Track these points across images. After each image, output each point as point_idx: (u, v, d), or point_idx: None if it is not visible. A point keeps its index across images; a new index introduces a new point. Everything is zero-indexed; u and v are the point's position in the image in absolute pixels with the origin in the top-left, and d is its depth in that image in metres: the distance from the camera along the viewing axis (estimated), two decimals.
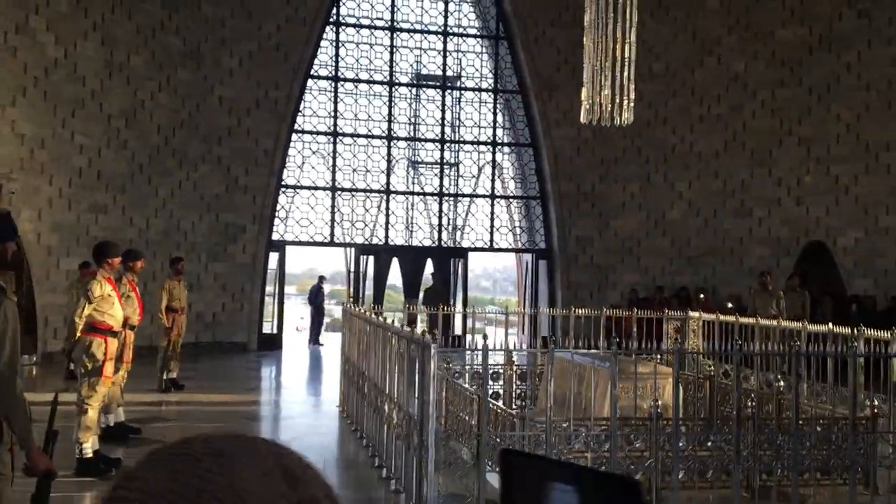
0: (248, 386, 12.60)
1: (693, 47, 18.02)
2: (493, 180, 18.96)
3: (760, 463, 5.80)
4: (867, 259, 15.94)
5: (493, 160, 18.97)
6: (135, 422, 8.31)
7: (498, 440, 5.33)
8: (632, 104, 8.26)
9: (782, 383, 7.84)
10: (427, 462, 5.38)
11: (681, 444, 5.92)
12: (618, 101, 8.06)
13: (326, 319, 20.91)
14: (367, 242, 18.30)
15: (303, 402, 10.94)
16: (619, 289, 18.26)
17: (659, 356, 8.13)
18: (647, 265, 18.31)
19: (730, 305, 14.30)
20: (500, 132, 19.10)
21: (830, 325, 8.56)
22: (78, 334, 6.75)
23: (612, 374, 5.56)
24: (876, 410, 6.37)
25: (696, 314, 11.26)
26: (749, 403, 6.46)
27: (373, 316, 7.84)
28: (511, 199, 19.27)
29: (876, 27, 15.81)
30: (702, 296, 15.97)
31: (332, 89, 18.04)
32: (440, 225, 18.60)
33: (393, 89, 18.44)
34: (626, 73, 8.04)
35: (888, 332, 7.74)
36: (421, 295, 17.64)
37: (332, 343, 19.66)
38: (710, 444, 5.79)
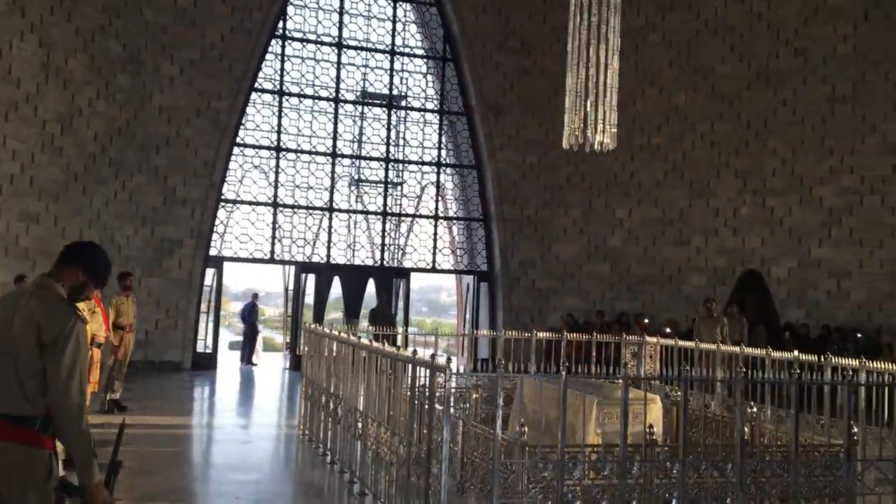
0: (190, 407, 12.05)
1: (635, 78, 18.41)
2: (436, 201, 18.87)
3: (759, 491, 5.81)
4: (800, 289, 16.51)
5: (438, 181, 18.89)
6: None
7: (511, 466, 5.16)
8: (614, 129, 8.29)
9: (755, 409, 7.95)
10: (440, 491, 5.17)
11: (675, 472, 5.90)
12: (600, 126, 8.03)
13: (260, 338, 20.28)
14: (307, 260, 17.89)
15: (258, 425, 10.49)
16: (559, 312, 18.36)
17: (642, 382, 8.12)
18: (588, 290, 18.50)
19: (668, 331, 14.58)
20: (443, 153, 19.04)
21: (796, 352, 8.77)
22: None
23: (624, 400, 5.47)
24: (856, 437, 6.50)
25: (653, 339, 11.41)
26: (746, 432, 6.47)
27: (357, 338, 7.57)
28: (453, 221, 19.21)
29: (811, 65, 16.50)
30: (646, 320, 16.20)
31: (277, 103, 17.65)
32: (383, 244, 18.37)
33: (338, 106, 18.18)
34: (608, 99, 8.06)
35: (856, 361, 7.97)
36: (364, 314, 17.34)
37: (266, 363, 19.11)
38: (711, 472, 5.76)
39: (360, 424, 7.09)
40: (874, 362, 8.04)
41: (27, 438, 3.02)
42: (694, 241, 17.63)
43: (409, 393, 5.82)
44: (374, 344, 6.97)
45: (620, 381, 8.99)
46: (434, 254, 18.75)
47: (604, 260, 18.45)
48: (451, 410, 5.27)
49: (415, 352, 5.89)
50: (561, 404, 5.43)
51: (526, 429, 5.93)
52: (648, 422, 7.33)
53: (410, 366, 5.92)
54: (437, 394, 5.49)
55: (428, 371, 5.48)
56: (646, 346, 11.28)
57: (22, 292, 3.22)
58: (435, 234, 18.78)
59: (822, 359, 8.23)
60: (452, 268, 19.37)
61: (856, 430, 6.45)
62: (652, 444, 6.04)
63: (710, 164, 17.50)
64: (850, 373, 7.86)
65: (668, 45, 18.07)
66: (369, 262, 18.34)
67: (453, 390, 9.08)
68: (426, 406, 5.28)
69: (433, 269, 18.90)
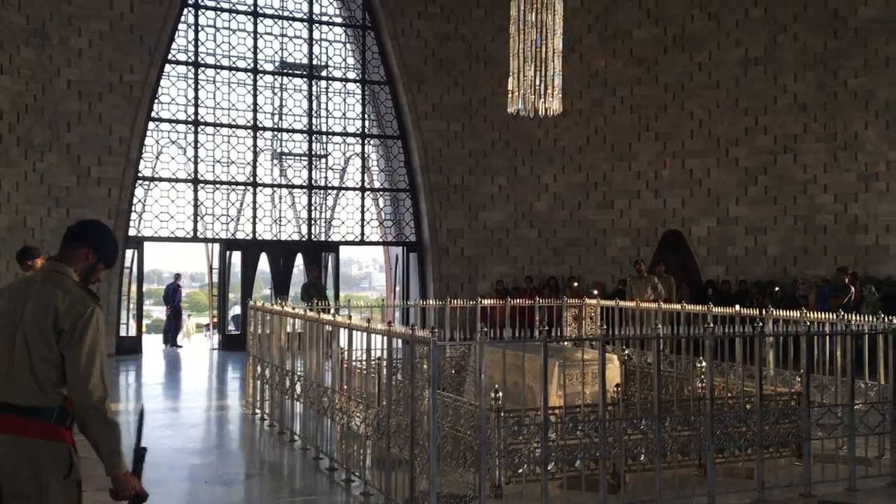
0: (125, 393, 11.62)
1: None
2: (362, 172, 18.64)
3: (728, 441, 6.02)
4: (719, 247, 17.14)
5: (363, 152, 18.65)
6: None
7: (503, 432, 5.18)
8: (559, 94, 8.33)
9: (704, 364, 8.21)
10: (427, 462, 5.15)
11: (644, 427, 6.04)
12: (546, 90, 8.05)
13: (185, 319, 19.74)
14: (232, 237, 17.43)
15: (202, 407, 10.22)
16: (488, 280, 18.52)
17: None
18: (516, 256, 18.70)
19: (595, 293, 14.92)
20: (367, 124, 18.79)
21: (737, 307, 9.10)
22: None
23: (600, 362, 5.55)
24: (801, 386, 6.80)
25: (593, 301, 11.63)
26: (700, 387, 6.68)
27: (328, 315, 7.43)
28: (380, 192, 19.04)
29: (724, 29, 16.99)
30: (575, 284, 16.49)
31: (192, 75, 17.00)
32: (310, 218, 18.06)
33: (257, 77, 17.66)
34: (553, 65, 8.09)
35: (794, 313, 8.33)
36: (294, 291, 17.07)
37: (193, 345, 18.63)
38: (674, 427, 5.93)
39: (325, 400, 6.98)
40: (808, 313, 8.41)
41: (41, 431, 2.83)
42: (617, 204, 18.03)
43: (385, 365, 5.75)
44: (342, 318, 6.85)
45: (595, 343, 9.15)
46: (362, 226, 18.56)
47: (530, 225, 18.67)
48: (434, 381, 5.22)
49: (390, 323, 5.82)
50: (543, 367, 5.47)
51: (500, 394, 5.95)
52: (609, 380, 7.52)
53: (386, 338, 5.85)
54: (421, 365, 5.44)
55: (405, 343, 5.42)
56: (586, 308, 11.49)
57: (32, 278, 3.00)
58: (362, 206, 18.58)
59: (764, 312, 8.56)
60: (381, 240, 19.23)
61: (798, 378, 6.75)
62: (620, 401, 6.17)
63: (631, 128, 17.87)
64: (803, 324, 8.15)
65: (586, 10, 18.25)
66: (296, 237, 18.01)
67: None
68: (399, 378, 5.22)
69: (362, 242, 18.72)
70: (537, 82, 8.04)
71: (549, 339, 5.54)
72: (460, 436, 5.81)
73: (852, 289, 13.77)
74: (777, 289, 15.53)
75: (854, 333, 6.74)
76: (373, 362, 6.44)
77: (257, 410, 9.18)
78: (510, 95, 8.49)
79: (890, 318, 7.01)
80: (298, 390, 7.71)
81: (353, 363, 6.74)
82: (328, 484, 6.60)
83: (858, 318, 7.60)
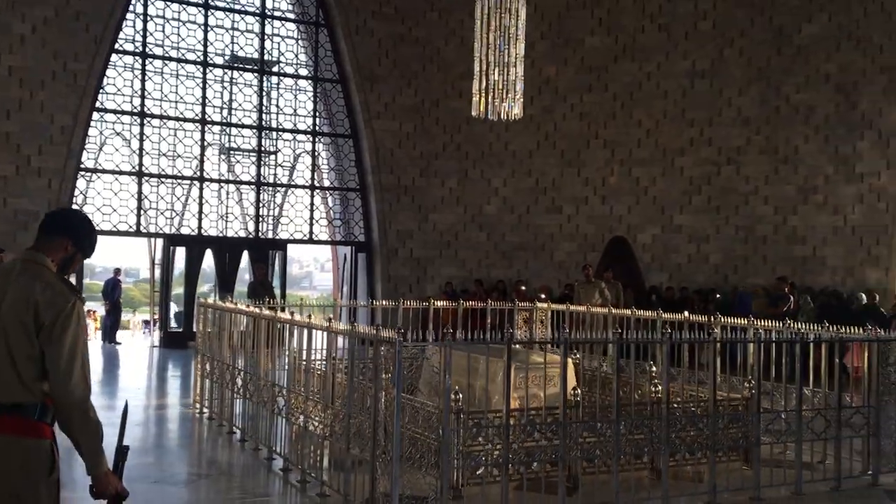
0: None
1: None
2: (312, 171, 18.47)
3: (682, 444, 6.14)
4: (663, 254, 17.49)
5: (313, 150, 18.48)
6: None
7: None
8: (520, 98, 8.38)
9: (655, 370, 8.35)
10: (390, 463, 5.12)
11: (601, 430, 6.11)
12: (508, 95, 8.10)
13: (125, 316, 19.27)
14: (177, 233, 17.08)
15: (146, 406, 9.97)
16: (437, 282, 18.53)
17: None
18: (465, 258, 18.76)
19: (543, 296, 15.07)
20: (318, 121, 18.62)
21: (686, 313, 9.28)
22: None
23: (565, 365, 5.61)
24: (753, 392, 6.98)
25: (544, 305, 11.74)
26: (653, 391, 6.79)
27: (276, 313, 7.32)
28: (330, 191, 18.89)
29: (674, 40, 17.36)
30: (523, 287, 16.62)
31: (140, 66, 16.61)
32: (257, 215, 17.80)
33: (206, 70, 17.34)
34: (515, 70, 8.14)
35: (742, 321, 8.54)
36: (239, 289, 16.79)
37: (129, 342, 18.19)
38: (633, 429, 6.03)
39: (280, 400, 6.89)
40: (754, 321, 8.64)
41: (25, 428, 2.74)
42: (565, 210, 18.24)
43: (346, 365, 5.70)
44: (301, 317, 6.77)
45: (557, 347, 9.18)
46: (311, 225, 18.38)
47: (480, 228, 18.75)
48: (399, 382, 5.21)
49: (353, 323, 5.77)
50: (506, 370, 5.50)
51: (461, 395, 5.96)
52: (559, 384, 7.59)
53: (346, 338, 5.81)
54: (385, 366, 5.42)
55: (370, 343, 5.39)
56: (537, 311, 11.58)
57: (8, 269, 2.88)
58: (311, 204, 18.41)
59: (712, 319, 8.76)
60: (329, 239, 19.08)
61: (751, 384, 6.93)
62: (581, 404, 6.24)
63: (581, 134, 18.11)
64: (755, 331, 8.33)
65: (539, 17, 18.38)
66: (243, 234, 17.74)
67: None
68: (362, 379, 5.19)
69: (310, 241, 18.54)
70: (500, 86, 8.10)
71: (513, 342, 5.56)
72: (419, 437, 5.79)
73: (791, 298, 14.20)
74: (718, 296, 15.91)
75: (806, 342, 6.93)
76: (330, 362, 6.37)
77: (205, 409, 9.01)
78: (474, 98, 8.51)
79: (836, 327, 7.24)
80: (251, 389, 7.59)
81: (312, 363, 6.66)
82: (282, 485, 6.52)
83: (797, 326, 7.83)
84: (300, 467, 6.45)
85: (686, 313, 9.26)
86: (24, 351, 2.74)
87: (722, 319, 8.65)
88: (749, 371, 7.71)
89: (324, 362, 7.15)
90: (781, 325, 8.01)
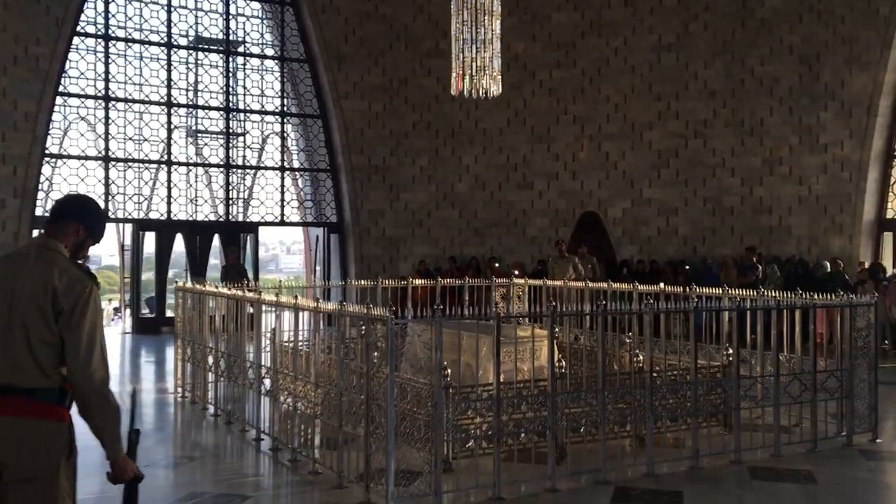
0: None
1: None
2: (281, 152, 18.34)
3: (665, 412, 6.30)
4: (633, 227, 17.71)
5: (282, 131, 18.34)
6: None
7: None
8: (499, 76, 8.41)
9: (628, 341, 8.50)
10: (383, 438, 5.20)
11: (584, 402, 6.24)
12: (487, 73, 8.14)
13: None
14: (145, 217, 16.89)
15: (127, 393, 9.90)
16: (410, 261, 18.57)
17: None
18: (437, 237, 18.81)
19: (516, 272, 15.20)
20: (286, 102, 18.47)
21: (662, 284, 9.46)
22: None
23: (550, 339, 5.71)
24: (731, 360, 7.16)
25: (521, 281, 11.85)
26: (637, 361, 6.93)
27: (259, 294, 7.32)
28: (300, 172, 18.79)
29: (640, 16, 17.47)
30: (496, 264, 16.72)
31: (103, 49, 16.32)
32: (227, 198, 17.67)
33: (171, 52, 17.10)
34: (492, 47, 8.17)
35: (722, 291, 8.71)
36: (211, 273, 16.68)
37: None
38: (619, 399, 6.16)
39: (267, 381, 6.92)
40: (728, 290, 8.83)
41: (44, 412, 2.75)
42: (537, 185, 18.36)
43: (335, 345, 5.75)
44: (287, 298, 6.78)
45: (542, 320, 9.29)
46: (282, 207, 18.29)
47: (452, 206, 18.80)
48: (392, 359, 5.27)
49: (342, 303, 5.81)
50: (494, 346, 5.59)
51: (449, 371, 6.04)
52: (543, 357, 7.71)
53: (339, 317, 5.85)
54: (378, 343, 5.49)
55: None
56: (514, 287, 11.70)
57: (23, 255, 2.86)
58: (282, 186, 18.30)
59: (686, 290, 8.93)
60: (301, 220, 19.00)
61: (730, 350, 7.11)
62: (567, 376, 6.37)
63: (550, 110, 18.19)
64: (730, 300, 8.51)
65: None
66: (213, 218, 17.60)
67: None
68: (351, 357, 5.25)
69: (282, 223, 18.46)
70: (478, 64, 8.13)
71: (502, 318, 5.65)
72: (409, 413, 5.87)
73: (759, 267, 14.49)
74: (688, 267, 16.17)
75: (781, 308, 7.11)
76: (316, 342, 6.41)
77: (188, 393, 9.01)
78: (452, 76, 8.53)
79: (808, 294, 7.44)
80: (236, 372, 7.61)
81: (299, 343, 6.70)
82: (273, 464, 6.57)
83: (767, 294, 8.02)
84: (290, 447, 6.50)
85: (661, 285, 9.44)
86: (43, 337, 2.75)
87: (697, 290, 8.82)
88: (724, 339, 7.92)
89: (308, 343, 7.19)
90: (755, 293, 8.20)
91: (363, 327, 8.73)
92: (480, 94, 8.61)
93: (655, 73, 17.44)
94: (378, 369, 5.42)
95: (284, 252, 54.74)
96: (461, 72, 8.50)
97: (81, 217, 2.96)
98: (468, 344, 7.51)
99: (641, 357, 6.93)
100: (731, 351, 7.08)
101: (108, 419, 2.79)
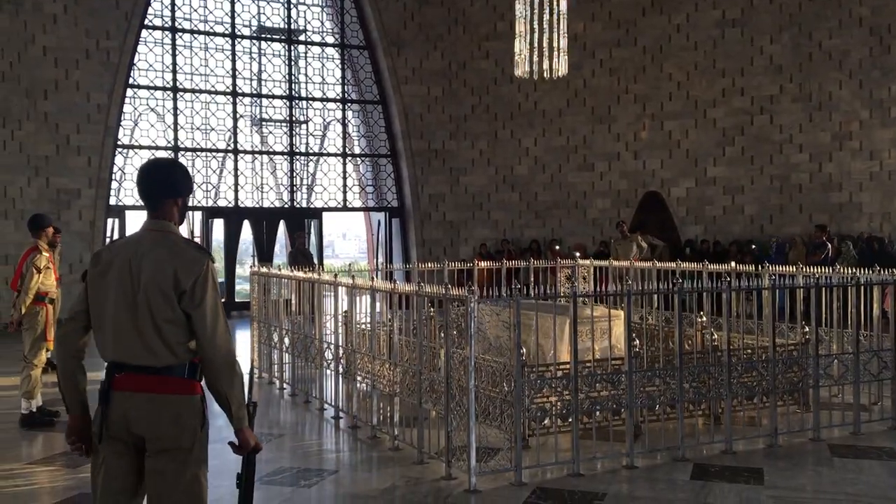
0: None
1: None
2: (343, 138, 18.58)
3: (744, 390, 6.28)
4: (697, 207, 17.48)
5: (343, 117, 18.56)
6: (49, 405, 7.58)
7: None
8: (565, 56, 8.41)
9: (704, 319, 8.46)
10: (464, 416, 5.32)
11: (657, 382, 6.24)
12: (552, 53, 8.13)
13: None
14: (214, 205, 17.31)
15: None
16: (470, 244, 18.67)
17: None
18: (497, 220, 18.86)
19: (577, 255, 15.16)
20: (347, 89, 18.67)
21: (733, 264, 9.36)
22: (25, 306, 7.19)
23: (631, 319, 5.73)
24: (808, 337, 7.07)
25: (586, 262, 11.84)
26: (713, 339, 6.91)
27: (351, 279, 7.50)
28: (361, 158, 19.00)
29: None
30: (557, 247, 16.68)
31: (170, 41, 16.73)
32: (292, 185, 17.99)
33: (235, 42, 17.43)
34: (560, 27, 8.16)
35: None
36: (278, 259, 17.04)
37: None
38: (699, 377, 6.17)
39: (344, 361, 7.10)
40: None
41: (178, 387, 2.93)
42: (597, 167, 18.24)
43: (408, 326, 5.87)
44: (365, 281, 6.94)
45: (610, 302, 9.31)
46: (344, 192, 18.54)
47: (511, 189, 18.81)
48: (472, 339, 5.37)
49: (419, 284, 5.93)
50: (571, 325, 5.65)
51: (524, 350, 6.11)
52: (615, 336, 7.73)
53: (416, 298, 5.98)
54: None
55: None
56: (579, 268, 11.69)
57: (137, 240, 3.01)
58: (344, 172, 18.55)
59: (759, 268, 8.82)
60: (363, 205, 19.24)
61: (807, 329, 7.03)
62: (644, 355, 6.39)
63: (611, 90, 18.03)
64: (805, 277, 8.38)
65: None
66: (278, 204, 17.95)
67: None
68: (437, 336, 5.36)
69: (344, 208, 18.72)
70: (543, 45, 8.13)
71: (577, 297, 5.70)
72: (483, 392, 5.97)
73: (829, 245, 14.19)
74: (754, 246, 15.93)
75: (860, 285, 7.00)
76: (391, 323, 6.55)
77: (264, 374, 9.27)
78: (517, 58, 8.55)
79: (889, 270, 7.31)
80: (313, 353, 7.81)
81: (377, 324, 6.85)
82: (353, 440, 6.75)
83: (842, 272, 7.89)
84: (369, 424, 6.67)
85: (733, 264, 9.35)
86: (167, 317, 2.89)
87: (770, 268, 8.71)
88: (799, 318, 7.82)
89: (385, 324, 7.35)
90: (830, 271, 8.07)
91: (432, 309, 8.90)
92: (545, 75, 8.61)
93: (719, 49, 17.13)
94: (454, 349, 5.51)
95: (341, 238, 55.48)
96: (526, 53, 8.50)
97: (177, 191, 3.07)
98: (540, 324, 7.58)
99: (717, 335, 6.92)
100: (807, 329, 7.01)
101: (236, 388, 2.93)
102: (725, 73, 17.08)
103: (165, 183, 3.06)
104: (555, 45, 8.38)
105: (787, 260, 13.92)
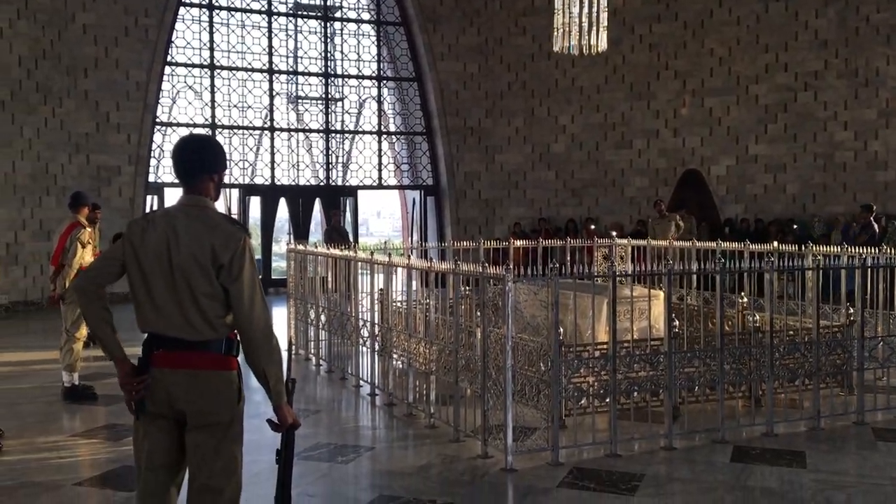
0: None
1: None
2: (378, 116, 18.54)
3: (787, 372, 6.17)
4: (738, 185, 17.17)
5: (379, 95, 18.51)
6: (84, 379, 7.72)
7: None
8: (605, 31, 8.26)
9: (745, 300, 8.30)
10: (501, 395, 5.29)
11: (697, 363, 6.14)
12: (591, 28, 7.99)
13: None
14: (251, 182, 17.42)
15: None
16: (506, 222, 18.57)
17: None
18: (533, 198, 18.72)
19: (614, 234, 14.99)
20: (382, 66, 18.60)
21: (776, 243, 9.18)
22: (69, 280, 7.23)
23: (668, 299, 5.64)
24: (852, 319, 6.91)
25: (623, 241, 11.71)
26: (752, 321, 6.78)
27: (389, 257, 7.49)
28: (396, 135, 18.95)
29: None
30: (592, 226, 16.52)
31: (207, 18, 16.78)
32: (327, 163, 18.02)
33: (272, 19, 17.43)
34: (600, 1, 8.00)
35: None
36: (314, 236, 17.12)
37: None
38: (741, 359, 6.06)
39: (379, 339, 7.11)
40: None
41: (215, 363, 2.93)
42: (636, 144, 17.99)
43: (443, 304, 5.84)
44: (401, 259, 6.92)
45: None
46: (379, 170, 18.53)
47: (548, 167, 18.64)
48: (510, 318, 5.33)
49: (457, 263, 5.90)
50: (610, 305, 5.57)
51: (562, 330, 6.05)
52: (653, 317, 7.62)
53: (453, 276, 5.94)
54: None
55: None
56: (616, 247, 11.57)
57: (172, 214, 3.01)
58: (379, 150, 18.53)
59: (802, 248, 8.64)
60: (398, 183, 19.22)
61: (851, 310, 6.87)
62: (684, 336, 6.29)
63: (650, 66, 17.73)
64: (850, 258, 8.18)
65: None
66: (314, 182, 18.00)
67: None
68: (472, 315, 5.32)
69: (380, 186, 18.72)
70: (583, 20, 7.99)
71: (616, 277, 5.62)
72: (519, 371, 5.93)
73: (875, 226, 13.85)
74: (795, 227, 15.63)
75: None
76: (427, 301, 6.52)
77: (300, 350, 9.33)
78: (555, 33, 8.41)
79: None
80: (349, 330, 7.83)
81: (412, 303, 6.83)
82: (389, 417, 6.77)
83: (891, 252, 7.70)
84: (405, 401, 6.68)
85: (775, 244, 9.16)
86: (206, 292, 2.90)
87: (813, 248, 8.53)
88: (843, 299, 7.64)
89: (420, 302, 7.33)
90: (877, 251, 7.88)
91: (466, 288, 8.87)
92: (584, 50, 8.46)
93: (763, 24, 16.72)
94: (492, 328, 5.48)
95: (375, 216, 55.69)
96: (565, 28, 8.35)
97: (213, 167, 3.06)
98: (578, 303, 7.50)
99: (758, 317, 6.80)
100: (852, 311, 6.86)
101: (274, 364, 2.93)
102: (768, 49, 16.67)
103: (201, 159, 3.06)
104: (594, 19, 8.24)
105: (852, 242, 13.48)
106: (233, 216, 3.04)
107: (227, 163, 3.23)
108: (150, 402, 2.93)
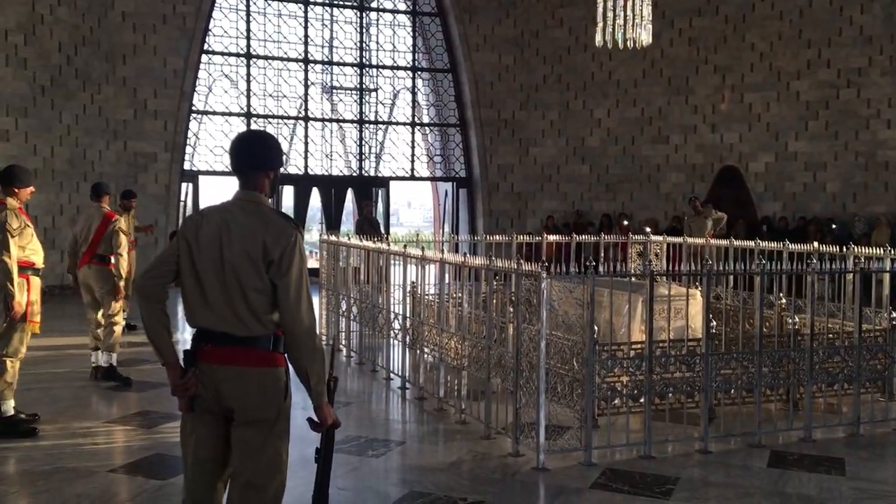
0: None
1: None
2: (412, 107, 18.49)
3: (827, 376, 6.03)
4: (777, 183, 16.87)
5: (413, 86, 18.46)
6: (121, 364, 7.78)
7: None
8: (649, 25, 8.12)
9: (784, 301, 8.14)
10: (534, 392, 5.23)
11: (734, 365, 6.02)
12: (637, 21, 7.86)
13: None
14: (284, 172, 17.46)
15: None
16: (538, 216, 18.45)
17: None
18: (566, 192, 18.57)
19: (648, 230, 14.80)
20: (417, 57, 18.55)
21: (816, 244, 8.98)
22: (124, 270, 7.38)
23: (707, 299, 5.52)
24: (894, 323, 6.74)
25: (658, 238, 11.56)
26: (791, 323, 6.63)
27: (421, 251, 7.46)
28: (430, 127, 18.89)
29: None
30: (626, 222, 16.33)
31: (244, 7, 16.84)
32: (360, 153, 18.02)
33: (308, 9, 17.44)
34: None
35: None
36: (346, 227, 17.14)
37: None
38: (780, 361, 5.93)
39: (410, 333, 7.07)
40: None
41: (262, 360, 2.93)
42: (672, 139, 17.75)
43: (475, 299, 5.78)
44: (435, 253, 6.88)
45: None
46: (412, 161, 18.49)
47: (582, 161, 18.47)
48: (544, 317, 5.27)
49: (490, 258, 5.83)
50: (648, 304, 5.48)
51: (597, 328, 5.97)
52: (690, 316, 7.49)
53: (486, 272, 5.88)
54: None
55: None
56: (651, 244, 11.42)
57: (226, 209, 3.00)
58: (412, 141, 18.49)
59: (844, 249, 8.44)
60: (430, 175, 19.17)
61: (894, 314, 6.69)
62: (724, 337, 6.18)
63: (689, 60, 17.46)
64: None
65: None
66: (347, 172, 18.01)
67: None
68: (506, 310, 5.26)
69: (412, 177, 18.69)
70: (626, 12, 7.86)
71: (653, 275, 5.52)
72: (552, 369, 5.86)
73: None
74: (835, 226, 15.33)
75: None
76: (460, 296, 6.47)
77: (330, 341, 9.32)
78: (598, 26, 8.29)
79: None
80: (381, 323, 7.81)
81: (445, 297, 6.78)
82: (420, 412, 6.74)
83: None
84: (436, 396, 6.65)
85: (815, 244, 8.97)
86: (255, 287, 2.89)
87: (855, 249, 8.33)
88: (886, 302, 7.46)
89: (452, 296, 7.28)
90: None
91: (497, 282, 8.80)
92: (628, 45, 8.33)
93: (806, 19, 16.37)
94: (525, 325, 5.41)
95: (406, 206, 55.77)
96: (606, 22, 8.23)
97: (268, 163, 3.05)
98: (611, 301, 7.40)
99: (798, 319, 6.65)
100: (894, 314, 6.68)
101: (316, 363, 2.90)
102: (811, 44, 16.34)
103: (258, 155, 3.06)
104: (637, 12, 8.11)
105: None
106: (287, 214, 3.03)
107: (283, 159, 3.20)
108: (199, 399, 2.94)
